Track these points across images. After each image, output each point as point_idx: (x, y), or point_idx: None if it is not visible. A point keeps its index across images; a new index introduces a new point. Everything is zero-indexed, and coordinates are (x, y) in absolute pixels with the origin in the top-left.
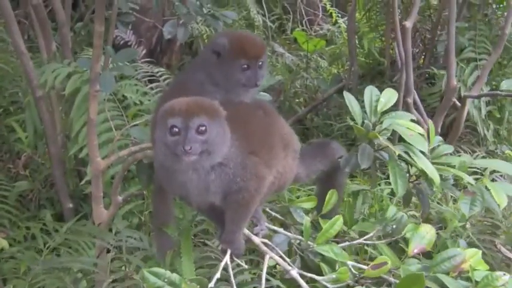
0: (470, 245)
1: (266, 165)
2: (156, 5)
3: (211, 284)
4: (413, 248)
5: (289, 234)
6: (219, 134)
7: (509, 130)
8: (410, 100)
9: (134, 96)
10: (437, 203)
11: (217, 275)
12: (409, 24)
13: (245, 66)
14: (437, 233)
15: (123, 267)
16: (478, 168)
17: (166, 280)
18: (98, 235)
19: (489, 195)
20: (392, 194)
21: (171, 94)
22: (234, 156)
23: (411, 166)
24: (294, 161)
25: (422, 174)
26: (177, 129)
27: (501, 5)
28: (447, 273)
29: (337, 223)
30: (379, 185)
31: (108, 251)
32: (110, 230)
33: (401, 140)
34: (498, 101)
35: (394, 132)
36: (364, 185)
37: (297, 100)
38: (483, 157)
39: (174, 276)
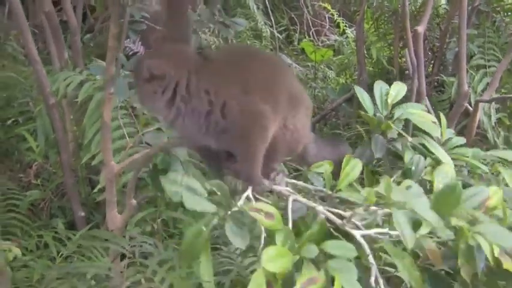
0: None
1: (265, 102)
2: None
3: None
4: None
5: (306, 200)
6: None
7: None
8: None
9: None
10: None
11: (241, 202)
12: (421, 29)
13: None
14: None
15: (139, 273)
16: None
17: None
18: (112, 240)
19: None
20: None
21: None
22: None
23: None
24: (307, 119)
25: (437, 165)
26: None
27: (509, 13)
28: None
29: (357, 166)
30: None
31: (122, 258)
32: (124, 237)
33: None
34: (508, 108)
35: None
36: None
37: None
38: None
39: (192, 182)
